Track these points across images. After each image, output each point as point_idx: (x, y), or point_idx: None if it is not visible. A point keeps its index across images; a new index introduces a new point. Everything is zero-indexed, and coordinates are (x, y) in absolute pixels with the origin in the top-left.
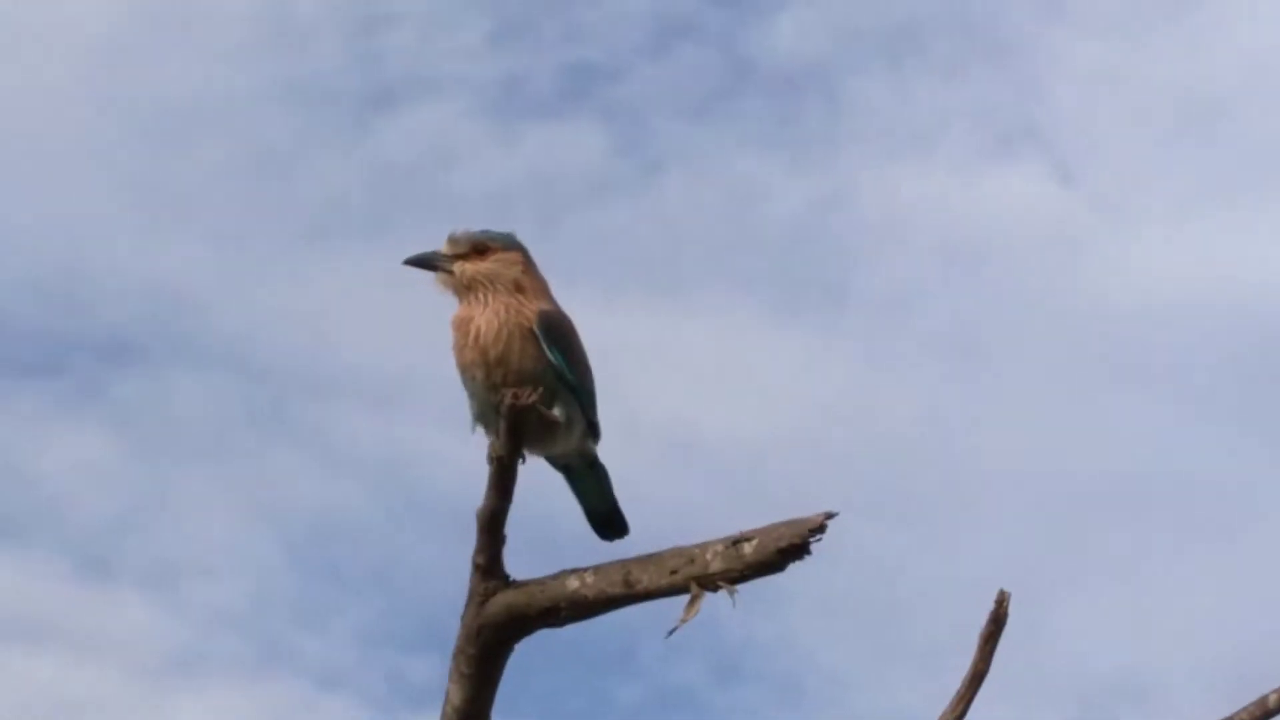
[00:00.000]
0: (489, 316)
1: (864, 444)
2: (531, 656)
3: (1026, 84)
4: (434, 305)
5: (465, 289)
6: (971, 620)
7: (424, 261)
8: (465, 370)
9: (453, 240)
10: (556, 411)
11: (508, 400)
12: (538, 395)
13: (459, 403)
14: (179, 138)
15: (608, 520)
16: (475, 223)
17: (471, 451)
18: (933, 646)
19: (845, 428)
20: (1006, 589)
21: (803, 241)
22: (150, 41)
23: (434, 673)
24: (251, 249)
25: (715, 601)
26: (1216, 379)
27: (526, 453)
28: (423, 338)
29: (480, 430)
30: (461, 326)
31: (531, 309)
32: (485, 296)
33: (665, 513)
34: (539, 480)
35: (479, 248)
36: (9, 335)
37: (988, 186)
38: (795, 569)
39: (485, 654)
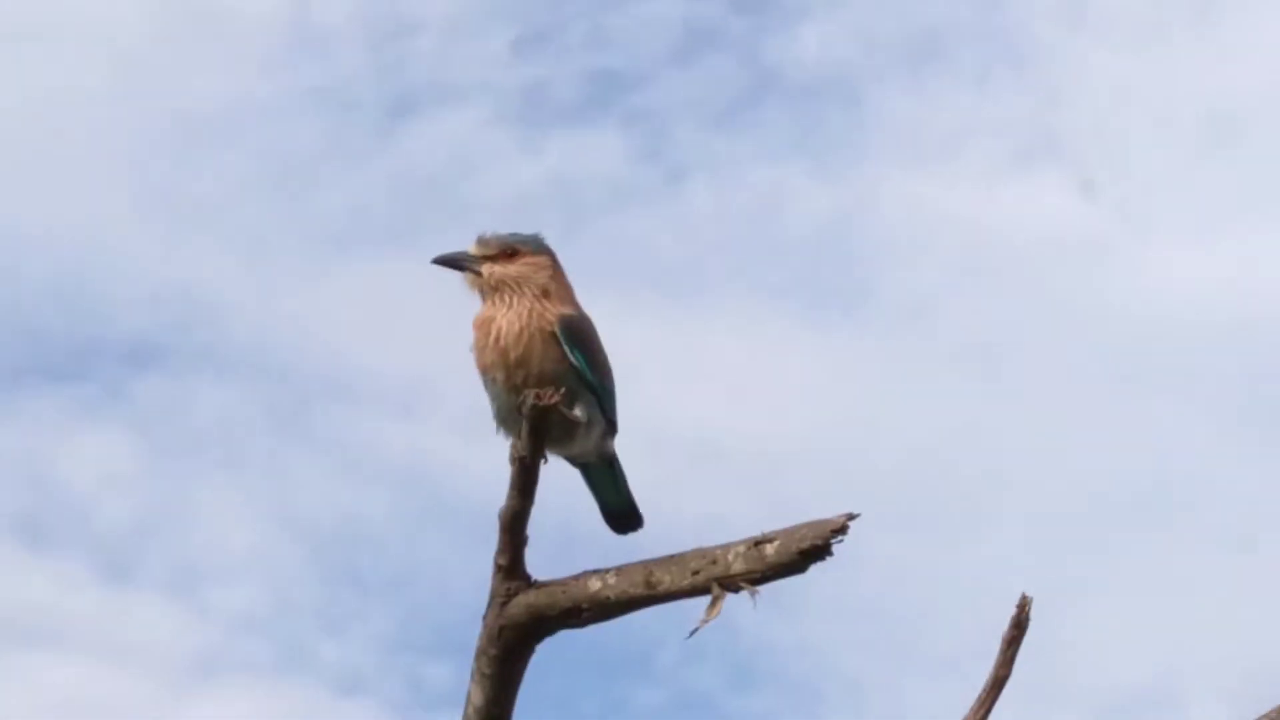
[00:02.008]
0: (511, 318)
1: (886, 451)
2: (550, 660)
3: (1049, 94)
4: (455, 310)
5: (492, 291)
6: (992, 627)
7: (453, 261)
8: (486, 371)
9: (482, 242)
10: (578, 412)
11: (530, 400)
12: (560, 395)
13: (480, 406)
14: (202, 144)
15: (623, 515)
16: (498, 228)
17: (493, 454)
18: (952, 653)
19: (867, 435)
20: (1029, 594)
21: (825, 249)
22: (173, 48)
23: (454, 677)
24: (274, 255)
25: (735, 605)
26: (1238, 390)
27: (548, 453)
28: (444, 343)
29: (502, 432)
30: (483, 327)
31: (554, 312)
32: (510, 299)
33: (688, 518)
34: (560, 481)
35: (508, 250)
36: (32, 340)
37: (1010, 196)
38: (816, 573)
39: (507, 655)
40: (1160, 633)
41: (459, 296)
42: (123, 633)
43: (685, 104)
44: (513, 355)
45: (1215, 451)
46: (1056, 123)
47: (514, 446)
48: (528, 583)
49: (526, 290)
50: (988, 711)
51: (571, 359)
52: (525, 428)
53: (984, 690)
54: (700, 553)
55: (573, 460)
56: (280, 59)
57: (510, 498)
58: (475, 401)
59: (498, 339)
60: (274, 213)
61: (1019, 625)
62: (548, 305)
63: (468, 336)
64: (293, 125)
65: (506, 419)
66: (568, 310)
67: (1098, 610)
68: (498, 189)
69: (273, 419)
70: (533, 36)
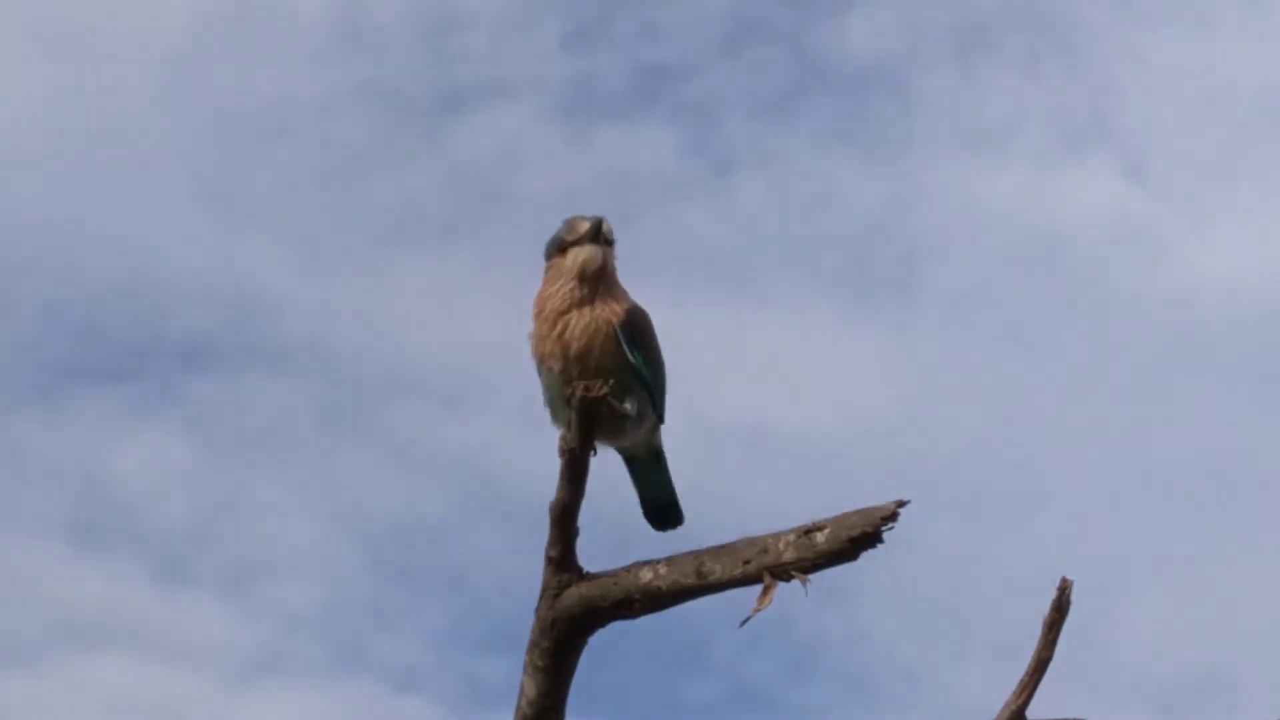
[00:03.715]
0: (584, 312)
1: (936, 439)
2: (604, 653)
3: (1098, 80)
4: (508, 304)
5: (604, 274)
6: (1042, 613)
7: (606, 237)
8: (543, 360)
9: (607, 226)
10: (628, 405)
11: (579, 393)
12: (608, 387)
13: (532, 400)
14: (254, 142)
15: (664, 511)
16: (551, 223)
17: (546, 447)
18: (1007, 639)
19: (917, 423)
20: (1069, 577)
21: (876, 239)
22: (226, 47)
23: (508, 672)
24: (326, 252)
25: (788, 595)
26: None
27: (597, 445)
28: (496, 337)
29: (554, 423)
30: (550, 320)
31: (620, 307)
32: (600, 287)
33: (738, 507)
34: (611, 473)
35: (608, 239)
36: (87, 340)
37: (1060, 183)
38: (868, 562)
39: (559, 647)
40: (1213, 617)
41: (510, 290)
42: (179, 632)
43: (734, 96)
44: (575, 348)
45: (1267, 437)
46: (1105, 109)
47: (563, 438)
48: (579, 575)
49: (611, 279)
50: (1031, 693)
51: (630, 357)
52: (575, 419)
53: (1027, 673)
54: (751, 542)
55: (621, 452)
56: (332, 56)
57: (560, 490)
58: (528, 395)
59: (563, 332)
60: (326, 209)
61: (1060, 608)
62: (615, 301)
63: (521, 330)
64: (344, 122)
65: (557, 410)
66: (629, 306)
67: (1151, 595)
68: (547, 183)
69: (326, 415)
70: (581, 31)
